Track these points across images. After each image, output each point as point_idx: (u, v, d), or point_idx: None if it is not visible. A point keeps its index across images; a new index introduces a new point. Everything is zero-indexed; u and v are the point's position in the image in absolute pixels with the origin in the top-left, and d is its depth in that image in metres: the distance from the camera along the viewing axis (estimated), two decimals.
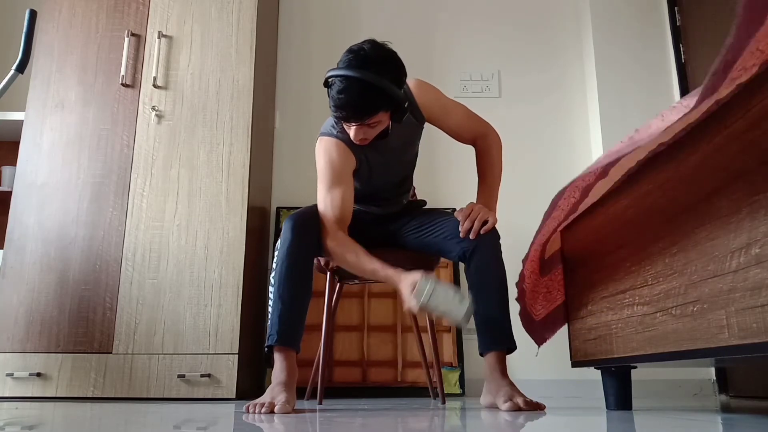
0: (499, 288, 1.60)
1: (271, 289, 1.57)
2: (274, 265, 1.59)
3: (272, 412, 1.37)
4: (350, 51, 1.48)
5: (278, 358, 1.51)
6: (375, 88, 1.44)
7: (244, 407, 1.51)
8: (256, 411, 1.38)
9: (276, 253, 1.61)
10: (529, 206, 2.77)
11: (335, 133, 1.64)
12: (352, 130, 1.53)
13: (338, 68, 1.47)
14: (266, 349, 1.53)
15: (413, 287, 1.44)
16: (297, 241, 1.55)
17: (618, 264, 1.32)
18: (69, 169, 2.29)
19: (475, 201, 1.71)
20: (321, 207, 1.62)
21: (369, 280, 1.80)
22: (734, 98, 0.93)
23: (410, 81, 1.65)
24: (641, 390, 2.45)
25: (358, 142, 1.56)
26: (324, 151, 1.64)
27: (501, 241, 1.65)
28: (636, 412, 1.40)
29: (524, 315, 1.72)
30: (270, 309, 1.56)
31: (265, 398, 1.43)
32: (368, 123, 1.50)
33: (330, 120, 1.69)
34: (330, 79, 1.48)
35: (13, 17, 3.03)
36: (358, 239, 1.79)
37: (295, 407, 1.45)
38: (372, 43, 1.49)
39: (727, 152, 0.95)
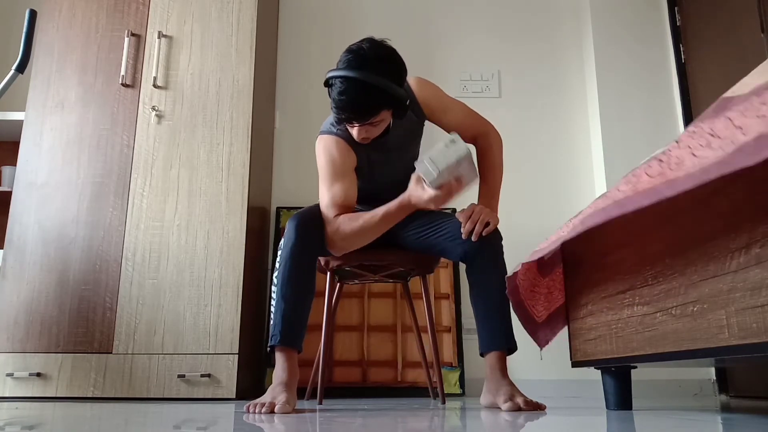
0: (500, 289, 1.60)
1: (273, 288, 1.57)
2: (277, 265, 1.59)
3: (272, 412, 1.37)
4: (349, 51, 1.48)
5: (280, 358, 1.51)
6: (375, 87, 1.44)
7: (244, 407, 1.51)
8: (257, 411, 1.38)
9: (279, 253, 1.61)
10: (529, 206, 2.77)
11: (335, 130, 1.63)
12: (354, 130, 1.53)
13: (338, 69, 1.46)
14: (268, 348, 1.54)
15: (418, 181, 1.49)
16: (300, 241, 1.55)
17: (618, 264, 1.32)
18: (69, 169, 2.29)
19: (476, 202, 1.71)
20: (323, 205, 1.62)
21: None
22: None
23: (410, 78, 1.66)
24: (641, 390, 2.45)
25: (360, 141, 1.56)
26: (324, 149, 1.64)
27: (502, 242, 1.65)
28: (636, 412, 1.40)
29: (523, 315, 1.71)
30: (273, 309, 1.56)
31: (265, 398, 1.43)
32: (371, 122, 1.50)
33: (330, 118, 1.68)
34: (330, 80, 1.48)
35: (13, 17, 3.03)
36: None
37: (295, 407, 1.45)
38: (371, 41, 1.49)
39: None
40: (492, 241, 1.61)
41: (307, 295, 1.55)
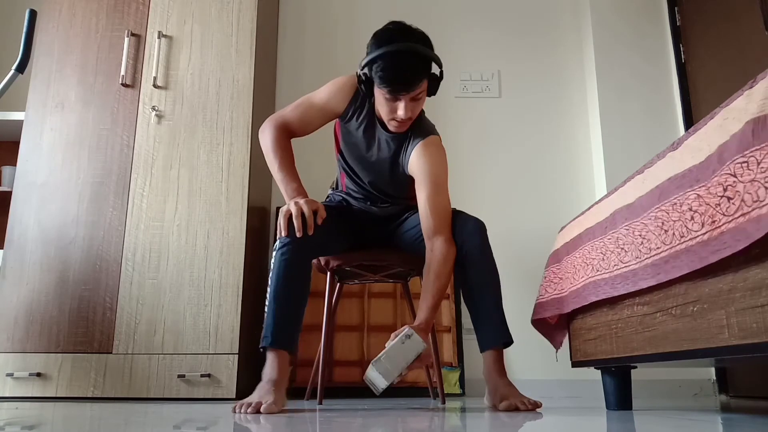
0: (491, 283, 1.60)
1: (268, 289, 1.57)
2: (271, 266, 1.59)
3: (258, 412, 1.35)
4: (385, 30, 1.56)
5: (270, 357, 1.50)
6: (421, 53, 1.53)
7: (231, 408, 1.50)
8: (242, 411, 1.36)
9: (273, 254, 1.61)
10: (529, 206, 2.77)
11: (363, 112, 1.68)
12: (401, 107, 1.54)
13: (381, 47, 1.50)
14: (261, 349, 1.52)
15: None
16: (294, 242, 1.54)
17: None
18: (69, 169, 2.29)
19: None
20: (280, 112, 1.72)
21: None
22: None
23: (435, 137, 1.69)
24: (641, 390, 2.45)
25: (401, 123, 1.58)
26: (333, 87, 1.69)
27: (500, 242, 1.64)
28: (636, 412, 1.40)
29: (540, 323, 1.73)
30: (266, 309, 1.55)
31: (252, 398, 1.41)
32: (416, 94, 1.54)
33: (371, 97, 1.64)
34: (375, 61, 1.50)
35: (13, 17, 3.03)
36: (357, 238, 1.79)
37: (284, 407, 1.44)
38: (395, 22, 1.59)
39: None
40: (476, 235, 1.60)
41: (300, 295, 1.54)
